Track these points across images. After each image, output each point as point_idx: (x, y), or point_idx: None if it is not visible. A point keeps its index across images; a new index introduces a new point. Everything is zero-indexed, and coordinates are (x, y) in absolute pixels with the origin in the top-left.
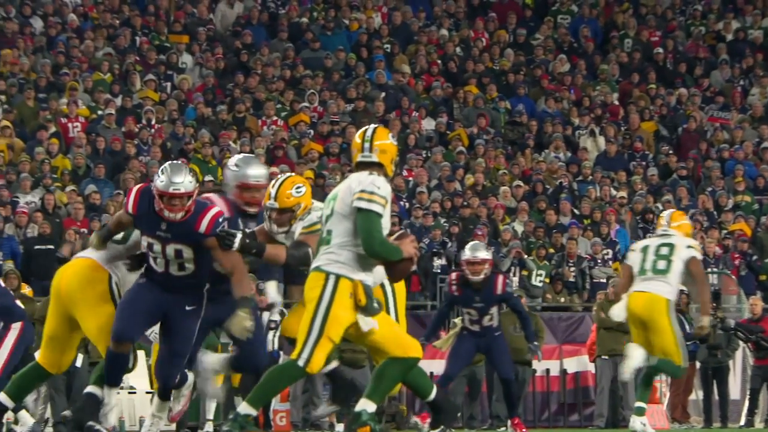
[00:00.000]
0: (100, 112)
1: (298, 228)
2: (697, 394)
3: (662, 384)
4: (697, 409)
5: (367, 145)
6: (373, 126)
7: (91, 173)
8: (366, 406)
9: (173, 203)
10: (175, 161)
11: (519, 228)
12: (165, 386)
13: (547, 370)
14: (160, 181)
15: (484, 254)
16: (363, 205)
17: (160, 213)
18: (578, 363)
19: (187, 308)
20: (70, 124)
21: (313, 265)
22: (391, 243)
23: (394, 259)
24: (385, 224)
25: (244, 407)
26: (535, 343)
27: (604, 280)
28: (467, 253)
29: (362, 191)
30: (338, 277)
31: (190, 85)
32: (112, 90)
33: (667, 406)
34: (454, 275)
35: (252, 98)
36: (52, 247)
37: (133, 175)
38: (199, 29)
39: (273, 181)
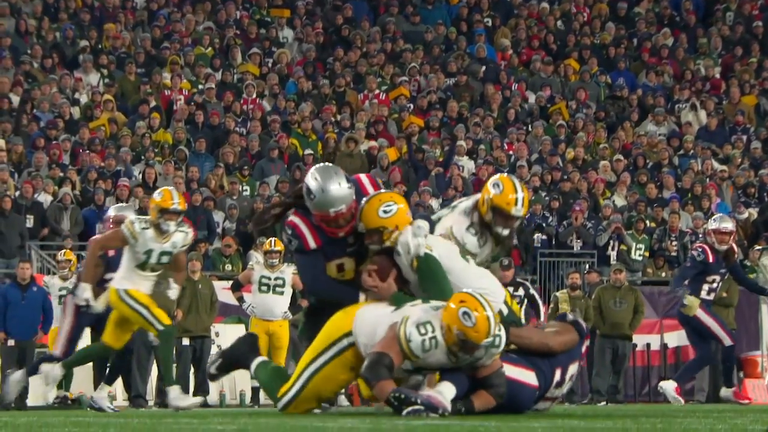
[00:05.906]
0: (200, 86)
1: None
2: None
3: (764, 359)
4: None
5: None
6: None
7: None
8: None
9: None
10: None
11: (619, 202)
12: None
13: (648, 345)
14: None
15: (731, 225)
16: None
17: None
18: (679, 337)
19: None
20: (173, 97)
21: None
22: None
23: None
24: None
25: None
26: None
27: None
28: (714, 224)
29: None
30: None
31: (289, 59)
32: (213, 64)
33: None
34: (706, 245)
35: (353, 72)
36: None
37: (233, 149)
38: (300, 3)
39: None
